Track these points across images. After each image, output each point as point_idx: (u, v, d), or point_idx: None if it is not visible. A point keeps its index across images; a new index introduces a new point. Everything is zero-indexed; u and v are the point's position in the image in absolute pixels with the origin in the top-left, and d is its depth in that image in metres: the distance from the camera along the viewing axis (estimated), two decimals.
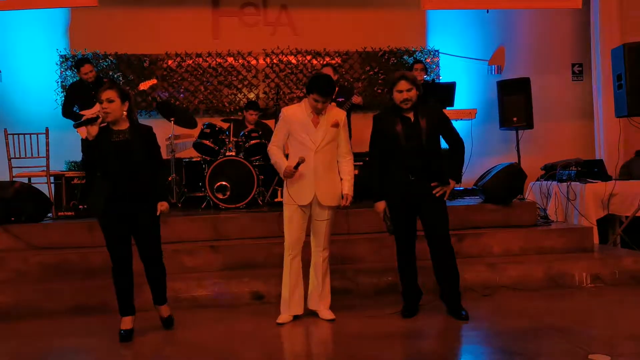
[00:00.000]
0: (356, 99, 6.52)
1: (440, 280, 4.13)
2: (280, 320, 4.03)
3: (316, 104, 3.93)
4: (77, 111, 6.33)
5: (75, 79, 6.47)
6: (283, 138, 4.06)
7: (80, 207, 6.05)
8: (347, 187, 4.04)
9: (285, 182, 4.04)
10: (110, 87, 3.66)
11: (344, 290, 4.61)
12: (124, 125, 3.71)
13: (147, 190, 3.75)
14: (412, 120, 3.99)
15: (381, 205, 4.03)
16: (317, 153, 3.94)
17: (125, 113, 3.69)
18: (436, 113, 4.09)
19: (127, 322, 3.78)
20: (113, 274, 3.76)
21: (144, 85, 6.61)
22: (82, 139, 6.31)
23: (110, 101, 3.60)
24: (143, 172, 3.70)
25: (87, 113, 6.19)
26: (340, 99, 6.56)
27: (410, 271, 4.16)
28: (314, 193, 3.95)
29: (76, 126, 3.68)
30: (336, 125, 4.01)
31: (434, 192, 3.99)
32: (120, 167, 3.63)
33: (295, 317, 4.09)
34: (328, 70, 6.73)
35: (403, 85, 3.95)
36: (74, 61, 7.78)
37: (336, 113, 4.08)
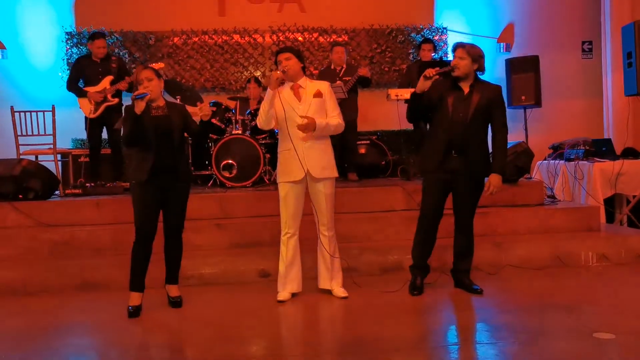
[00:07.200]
0: (362, 70, 6.44)
1: (458, 255, 4.19)
2: (280, 297, 4.05)
3: (282, 66, 3.94)
4: (82, 86, 6.28)
5: (80, 56, 6.42)
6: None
7: (88, 184, 6.08)
8: (317, 120, 3.89)
9: (278, 161, 4.07)
10: (146, 67, 3.99)
11: (349, 268, 4.62)
12: (161, 103, 3.92)
13: (183, 164, 3.98)
14: (465, 93, 3.98)
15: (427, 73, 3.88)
16: None
17: (162, 91, 3.97)
18: (493, 94, 4.02)
19: (135, 298, 3.83)
20: (135, 247, 3.82)
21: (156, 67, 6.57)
22: (85, 117, 6.29)
23: (149, 80, 3.82)
24: (180, 145, 3.92)
25: (92, 90, 6.17)
26: (346, 78, 6.52)
27: (427, 247, 4.17)
28: (306, 167, 3.93)
29: (133, 99, 3.75)
30: (319, 95, 3.99)
31: (487, 190, 4.02)
32: (160, 140, 3.81)
33: (294, 295, 4.11)
34: (339, 49, 6.69)
35: (458, 52, 3.99)
36: (79, 38, 7.77)
37: (318, 84, 4.08)
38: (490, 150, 4.09)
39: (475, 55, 3.97)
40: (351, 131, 6.64)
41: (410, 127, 6.83)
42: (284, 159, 4.02)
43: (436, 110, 4.00)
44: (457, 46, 4.04)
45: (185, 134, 4.01)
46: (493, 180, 4.00)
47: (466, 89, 4.00)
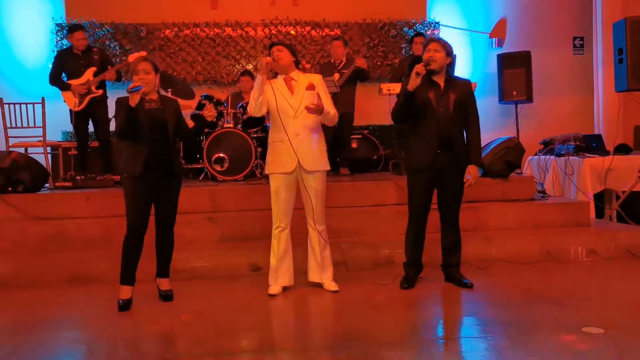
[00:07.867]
0: (359, 61, 6.42)
1: (447, 250, 4.20)
2: (271, 291, 4.05)
3: (274, 56, 3.94)
4: (65, 79, 6.16)
5: (61, 50, 6.31)
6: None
7: (78, 177, 6.04)
8: (325, 107, 3.93)
9: (268, 151, 4.06)
10: (146, 59, 3.91)
11: (341, 262, 4.63)
12: (154, 96, 3.88)
13: (176, 158, 3.95)
14: (442, 88, 3.97)
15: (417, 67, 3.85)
16: (296, 118, 3.93)
17: (157, 85, 3.91)
18: (466, 88, 4.06)
19: (126, 292, 3.81)
20: (126, 241, 3.81)
21: (132, 57, 6.45)
22: (70, 111, 6.19)
23: (147, 72, 3.78)
24: (173, 140, 3.90)
25: (75, 82, 6.07)
26: (344, 70, 6.52)
27: (418, 243, 4.18)
28: (297, 159, 3.93)
29: (129, 91, 3.69)
30: (311, 87, 3.99)
31: (465, 182, 4.00)
32: (154, 134, 3.78)
33: (285, 289, 4.11)
34: (337, 43, 6.69)
35: (432, 45, 3.96)
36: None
37: (310, 77, 4.08)
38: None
39: (448, 49, 3.99)
40: (347, 125, 6.63)
41: None
42: (274, 150, 4.01)
43: (420, 106, 3.97)
44: (430, 40, 4.04)
45: None
46: (472, 172, 4.00)
47: (442, 84, 3.99)
